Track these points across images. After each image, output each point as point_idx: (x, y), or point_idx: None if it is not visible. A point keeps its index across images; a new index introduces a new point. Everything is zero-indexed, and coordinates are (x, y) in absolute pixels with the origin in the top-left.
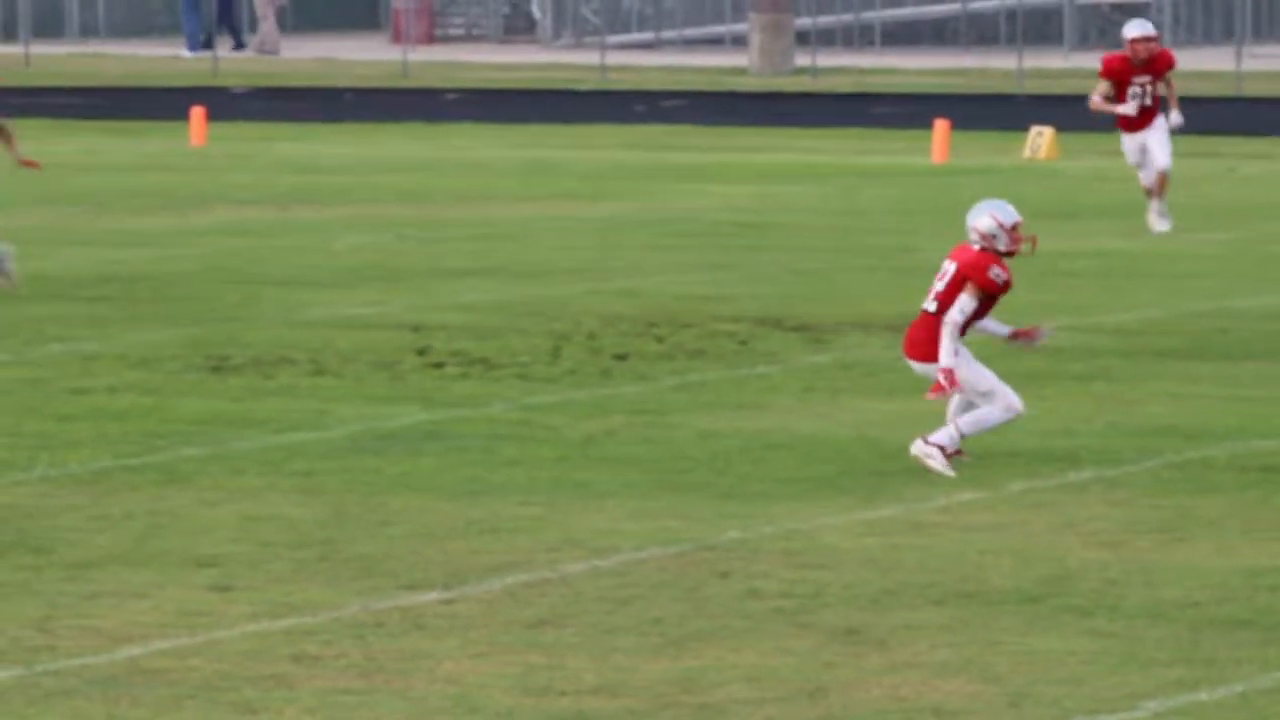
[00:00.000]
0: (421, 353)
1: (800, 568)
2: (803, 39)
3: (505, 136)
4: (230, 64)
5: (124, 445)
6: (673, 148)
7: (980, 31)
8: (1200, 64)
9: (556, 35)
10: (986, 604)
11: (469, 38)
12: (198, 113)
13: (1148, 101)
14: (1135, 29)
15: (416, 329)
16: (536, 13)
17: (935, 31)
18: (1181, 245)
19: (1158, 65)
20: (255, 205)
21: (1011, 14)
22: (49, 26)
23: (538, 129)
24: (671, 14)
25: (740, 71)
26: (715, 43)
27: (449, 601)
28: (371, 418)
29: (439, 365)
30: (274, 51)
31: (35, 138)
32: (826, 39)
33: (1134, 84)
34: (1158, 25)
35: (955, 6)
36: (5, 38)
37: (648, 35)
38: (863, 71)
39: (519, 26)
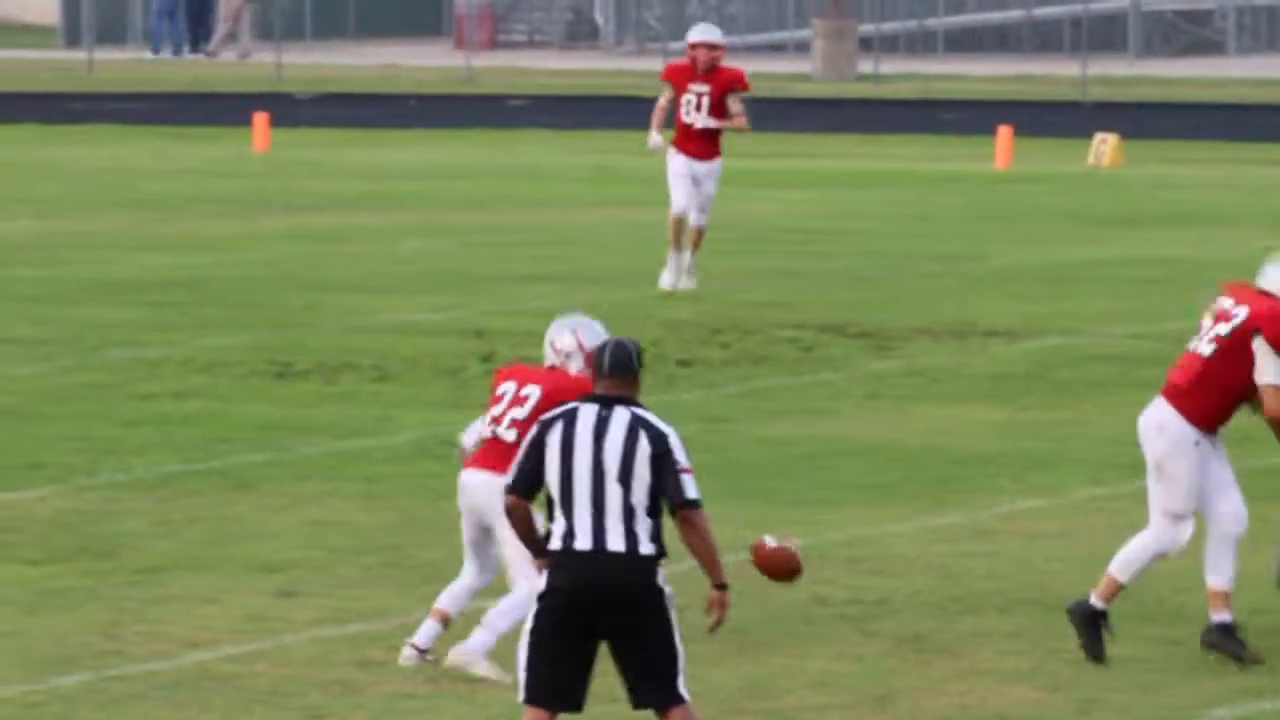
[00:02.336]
0: (485, 359)
1: (866, 574)
2: (866, 45)
3: (569, 142)
4: (293, 70)
5: (189, 450)
6: (736, 154)
7: (1044, 38)
8: (1264, 72)
9: (619, 41)
10: (1052, 611)
11: (532, 44)
12: (261, 119)
13: (703, 119)
14: (697, 33)
15: (480, 334)
16: (599, 18)
17: (999, 37)
18: (1247, 252)
19: (721, 77)
20: (319, 211)
21: (1076, 20)
22: (112, 33)
23: (602, 135)
24: (734, 20)
25: (803, 78)
26: (778, 49)
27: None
28: (435, 423)
29: None
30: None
31: (100, 143)
32: (890, 45)
33: (690, 92)
34: (1220, 34)
35: (1019, 13)
36: (69, 44)
37: None
38: (926, 78)
39: (581, 32)
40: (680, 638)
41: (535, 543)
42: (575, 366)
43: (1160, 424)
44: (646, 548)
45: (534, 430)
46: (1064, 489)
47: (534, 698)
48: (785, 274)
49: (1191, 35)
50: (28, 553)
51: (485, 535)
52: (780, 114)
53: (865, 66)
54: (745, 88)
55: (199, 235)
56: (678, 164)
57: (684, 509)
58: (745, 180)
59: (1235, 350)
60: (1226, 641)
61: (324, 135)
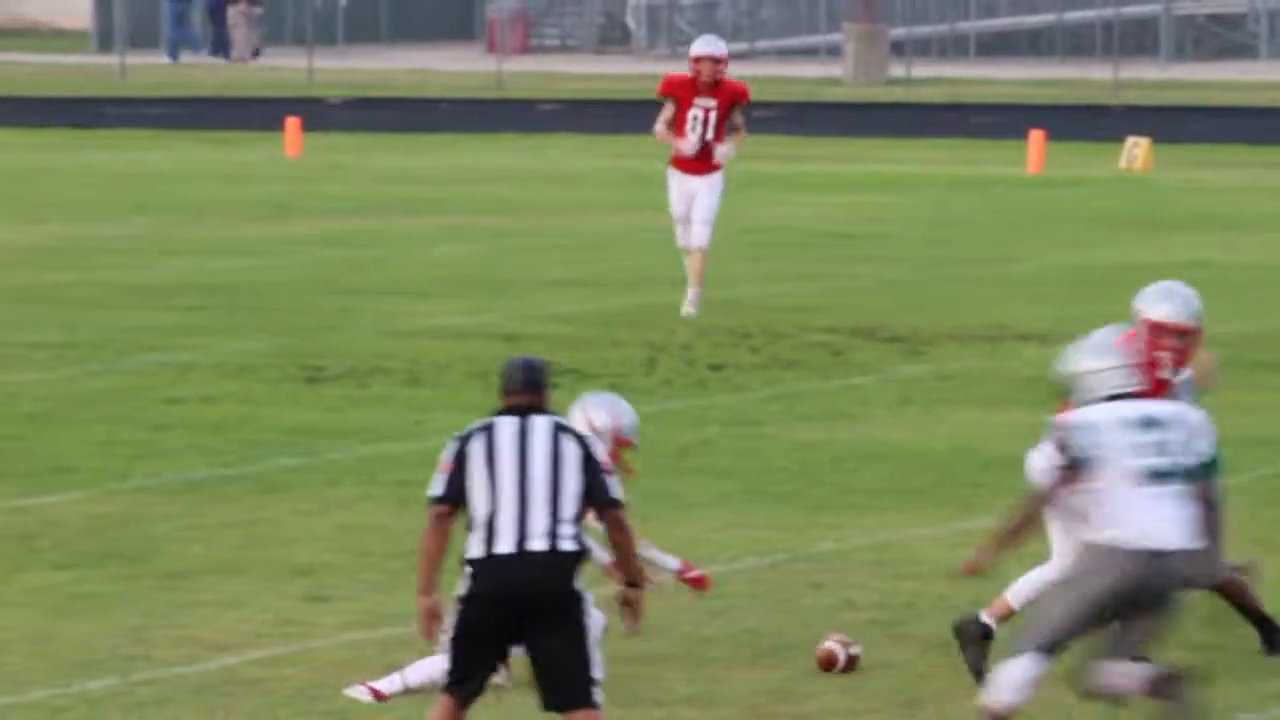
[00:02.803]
0: None
1: (894, 579)
2: (897, 49)
3: (600, 147)
4: (324, 75)
5: (219, 455)
6: (767, 158)
7: (1076, 41)
8: None
9: (651, 45)
10: None
11: (563, 48)
12: (293, 123)
13: (710, 135)
14: (701, 45)
15: (511, 339)
16: (631, 23)
17: (1030, 41)
18: (1277, 257)
19: (727, 90)
20: (351, 216)
21: (1108, 24)
22: (144, 37)
23: (633, 139)
24: (766, 24)
25: (835, 82)
26: (810, 53)
27: None
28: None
29: None
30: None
31: (131, 148)
32: (921, 49)
33: (695, 107)
34: (1252, 37)
35: (1051, 17)
36: (101, 49)
37: (742, 45)
38: (957, 82)
39: (613, 37)
40: (597, 647)
41: (430, 563)
42: (599, 448)
43: None
44: (569, 545)
45: (453, 445)
46: None
47: (452, 688)
48: (816, 278)
49: (1223, 39)
50: (56, 557)
51: None
52: (812, 118)
53: (897, 70)
54: (749, 101)
55: (230, 239)
56: (674, 190)
57: (612, 509)
58: (776, 184)
59: None
60: (973, 646)
61: (355, 140)
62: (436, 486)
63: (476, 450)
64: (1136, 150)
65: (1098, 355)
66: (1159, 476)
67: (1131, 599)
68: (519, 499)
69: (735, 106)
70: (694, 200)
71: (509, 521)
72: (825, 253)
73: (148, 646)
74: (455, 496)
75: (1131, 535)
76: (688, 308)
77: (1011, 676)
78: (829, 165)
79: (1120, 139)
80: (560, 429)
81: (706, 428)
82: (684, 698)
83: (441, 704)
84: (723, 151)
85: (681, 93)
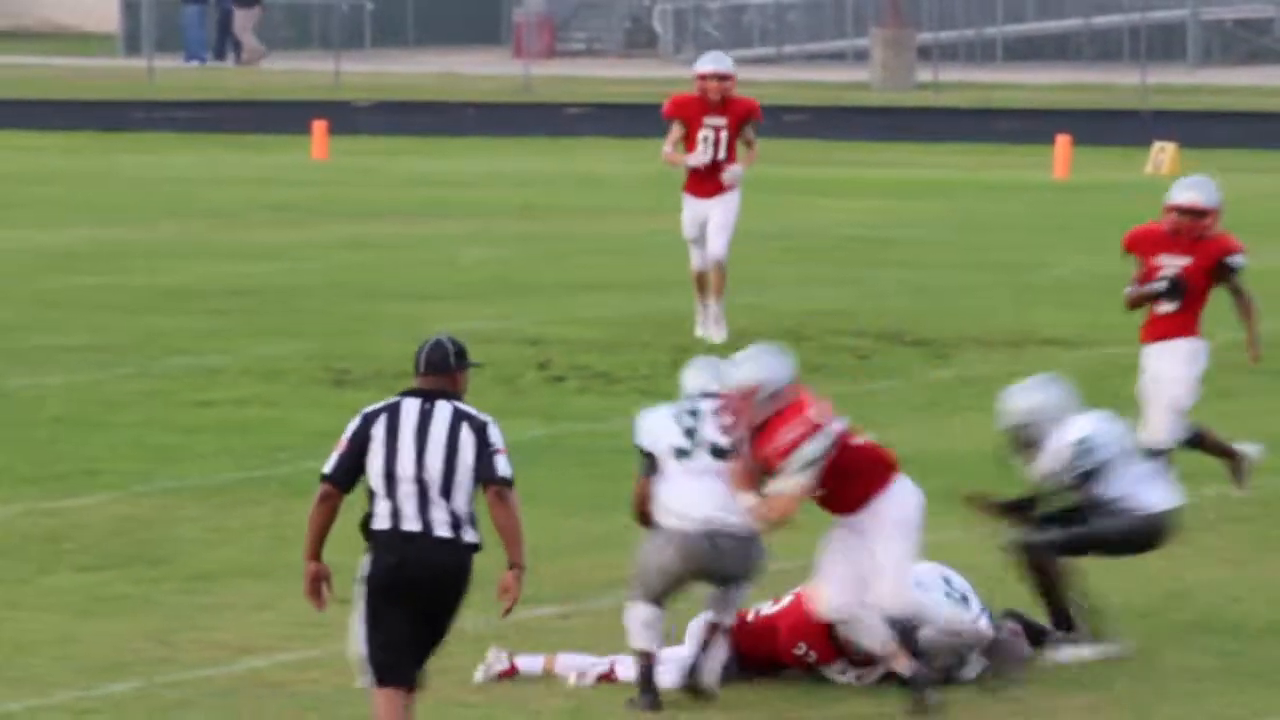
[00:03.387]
0: (542, 366)
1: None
2: (924, 54)
3: (627, 151)
4: (351, 78)
5: (247, 458)
6: (794, 162)
7: (1103, 46)
8: None
9: (678, 49)
10: (1106, 619)
11: (590, 52)
12: (320, 127)
13: (721, 154)
14: (707, 63)
15: (537, 343)
16: (658, 27)
17: (1058, 46)
18: None
19: (737, 108)
20: (378, 219)
21: (1135, 29)
22: (172, 41)
23: (660, 143)
24: (793, 28)
25: (862, 86)
26: (837, 57)
27: (566, 616)
28: None
29: (559, 379)
30: (254, 62)
31: (159, 151)
32: (948, 54)
33: (705, 127)
34: (1275, 42)
35: (1078, 21)
36: (129, 52)
37: (769, 50)
38: (985, 86)
39: (640, 41)
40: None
41: (316, 534)
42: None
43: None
44: (469, 535)
45: (356, 422)
46: None
47: (385, 680)
48: (842, 282)
49: (1251, 44)
50: (82, 559)
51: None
52: (838, 123)
53: (924, 75)
54: (761, 118)
55: (258, 243)
56: (687, 214)
57: (495, 484)
58: (803, 188)
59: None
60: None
61: (382, 144)
62: (328, 464)
63: (378, 431)
64: (1163, 155)
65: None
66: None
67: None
68: (419, 484)
69: (746, 124)
70: (708, 221)
71: (410, 504)
72: (852, 257)
73: (173, 649)
74: (341, 479)
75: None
76: (711, 329)
77: (634, 621)
78: (856, 170)
79: (1147, 144)
80: (461, 415)
81: None
82: (716, 704)
83: (381, 700)
84: (732, 174)
85: (689, 113)
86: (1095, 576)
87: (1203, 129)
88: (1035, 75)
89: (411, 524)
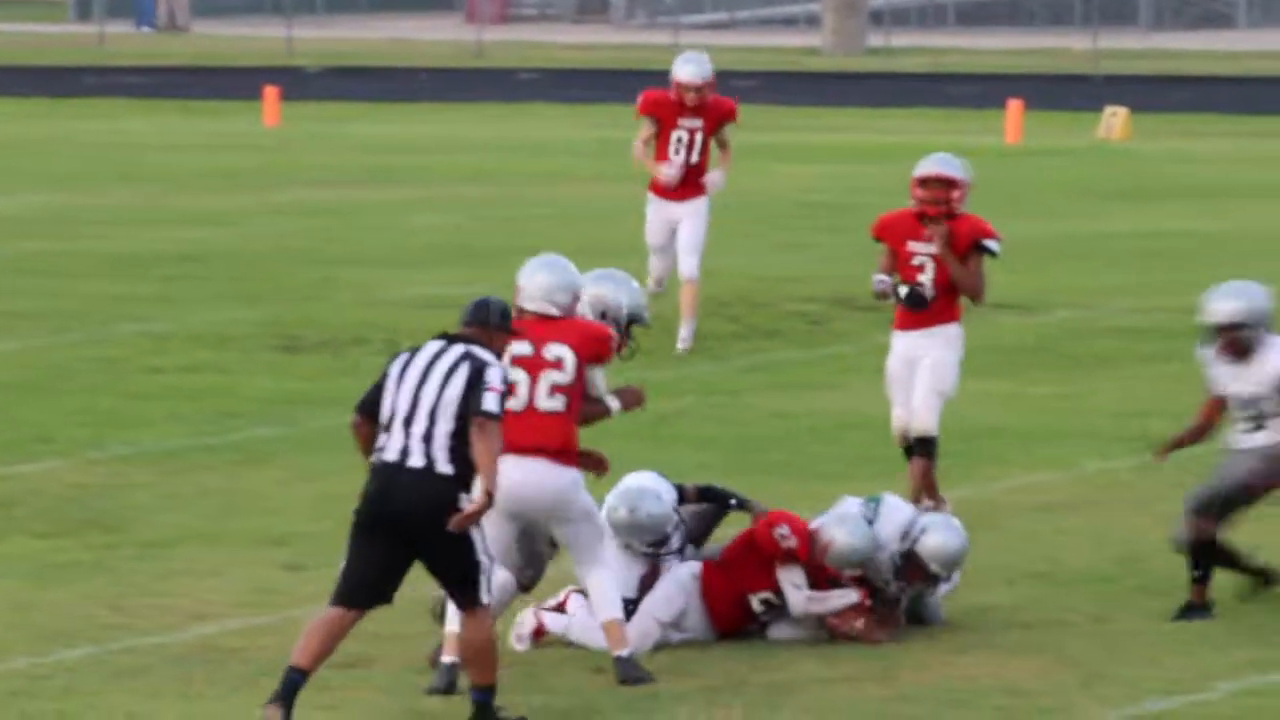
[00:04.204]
0: None
1: None
2: (876, 18)
3: (579, 116)
4: (303, 44)
5: (198, 424)
6: (746, 128)
7: (1055, 11)
8: (1275, 46)
9: (630, 15)
10: (1059, 585)
11: (543, 17)
12: (271, 92)
13: (695, 157)
14: (686, 71)
15: None
16: None
17: (1010, 11)
18: (1255, 224)
19: (714, 110)
20: (329, 185)
21: None
22: (124, 7)
23: (612, 109)
24: None
25: (813, 51)
26: (789, 23)
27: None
28: None
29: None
30: (185, 28)
31: (110, 117)
32: (900, 19)
33: (680, 128)
34: (1230, 7)
35: None
36: (80, 18)
37: (721, 15)
38: (936, 51)
39: (592, 6)
40: (482, 551)
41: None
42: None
43: (574, 480)
44: (445, 468)
45: (389, 359)
46: (1072, 462)
47: (342, 600)
48: (795, 248)
49: (1202, 8)
50: (34, 525)
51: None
52: (790, 88)
53: (875, 40)
54: (737, 119)
55: (209, 209)
56: (652, 217)
57: (478, 416)
58: (755, 154)
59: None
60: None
61: (334, 109)
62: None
63: (394, 369)
64: (1115, 120)
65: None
66: None
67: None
68: (407, 417)
69: (723, 126)
70: (677, 228)
71: (398, 437)
72: (804, 222)
73: (126, 615)
74: (365, 409)
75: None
76: (681, 345)
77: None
78: (808, 135)
79: (1099, 108)
80: (467, 356)
81: (684, 397)
82: (664, 667)
83: (326, 614)
84: (713, 180)
85: (664, 112)
86: (1051, 544)
87: (1155, 93)
88: (987, 40)
89: (391, 455)
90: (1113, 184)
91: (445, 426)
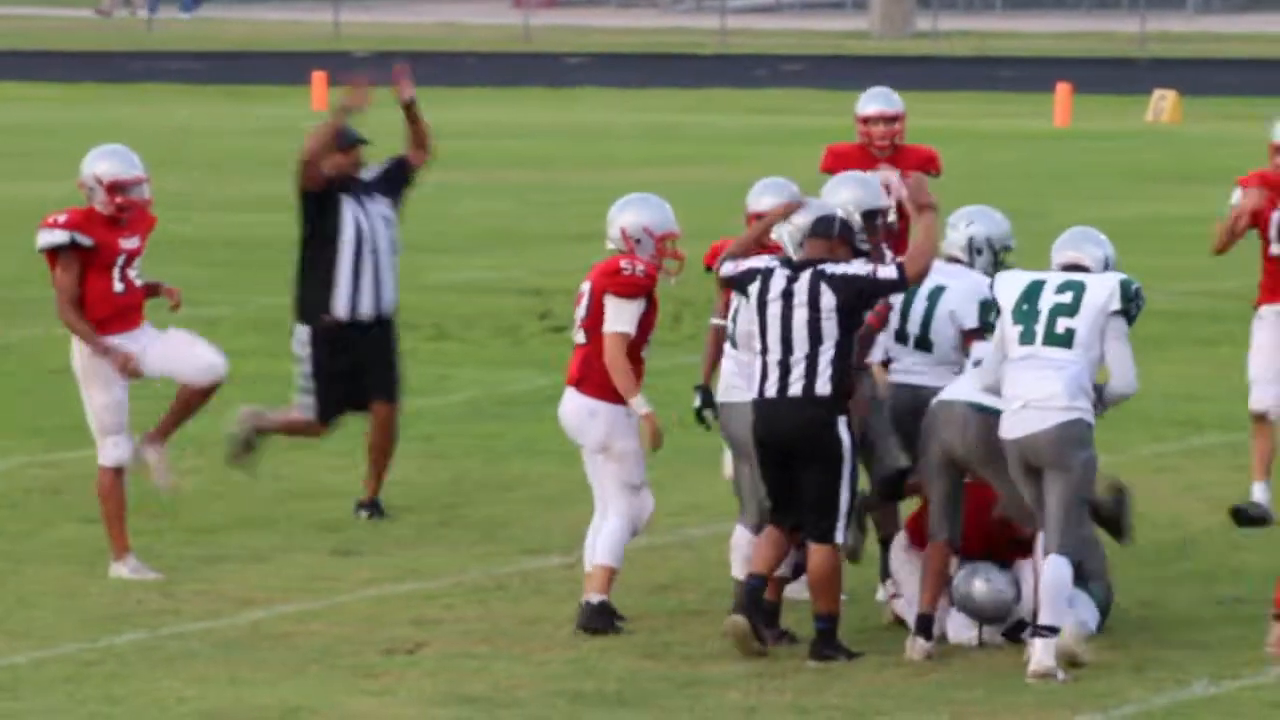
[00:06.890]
0: (543, 317)
1: None
2: (924, 2)
3: (626, 101)
4: (351, 28)
5: None
6: (793, 111)
7: None
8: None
9: (676, 0)
10: (1114, 568)
11: (590, 2)
12: (319, 77)
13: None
14: (872, 103)
15: (538, 293)
16: None
17: None
18: None
19: (909, 158)
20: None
21: None
22: None
23: (659, 93)
24: None
25: (861, 35)
26: (836, 6)
27: (570, 566)
28: (492, 383)
29: (560, 330)
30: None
31: (157, 102)
32: (948, 2)
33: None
34: None
35: None
36: (126, 2)
37: (768, 0)
38: (984, 35)
39: None
40: (849, 489)
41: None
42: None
43: (590, 410)
44: (824, 388)
45: (733, 271)
46: (1124, 446)
47: (773, 519)
48: None
49: None
50: (85, 512)
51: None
52: (838, 71)
53: (923, 23)
54: (939, 171)
55: (257, 194)
56: None
57: (884, 283)
58: (802, 138)
59: (597, 321)
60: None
61: (381, 94)
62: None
63: (753, 291)
64: (1163, 103)
65: None
66: None
67: None
68: (782, 346)
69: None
70: None
71: (775, 370)
72: None
73: (175, 601)
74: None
75: None
76: None
77: None
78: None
79: (1147, 92)
80: (820, 276)
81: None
82: (712, 653)
83: (768, 531)
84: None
85: (852, 166)
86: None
87: (1202, 76)
88: (1035, 24)
89: (771, 390)
90: (1162, 167)
91: (826, 353)
